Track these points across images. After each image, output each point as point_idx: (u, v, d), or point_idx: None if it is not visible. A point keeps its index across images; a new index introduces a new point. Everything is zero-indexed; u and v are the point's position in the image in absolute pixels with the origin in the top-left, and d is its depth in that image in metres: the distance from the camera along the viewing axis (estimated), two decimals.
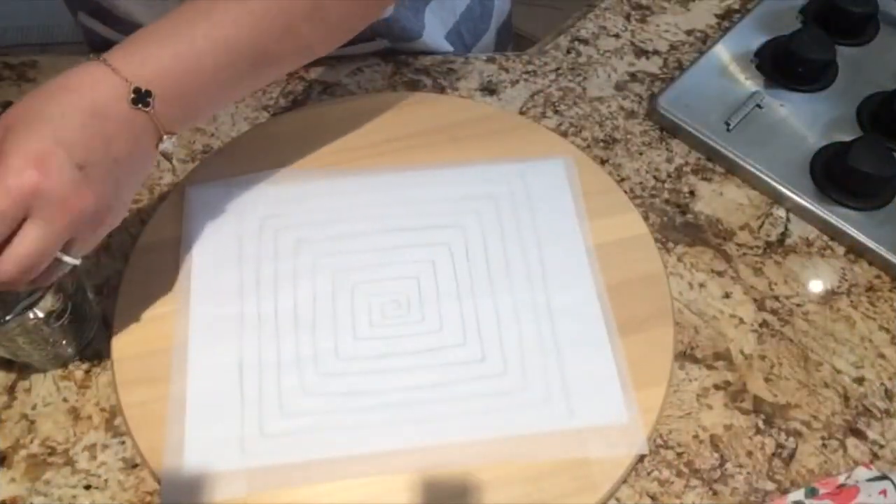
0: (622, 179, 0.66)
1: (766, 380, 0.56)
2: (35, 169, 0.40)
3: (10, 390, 0.54)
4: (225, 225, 0.60)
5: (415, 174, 0.62)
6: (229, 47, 0.44)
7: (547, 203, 0.62)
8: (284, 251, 0.59)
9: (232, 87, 0.47)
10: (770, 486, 0.52)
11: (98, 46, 0.70)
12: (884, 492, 0.49)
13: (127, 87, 0.42)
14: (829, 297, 0.60)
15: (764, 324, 0.58)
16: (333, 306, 0.57)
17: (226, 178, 0.63)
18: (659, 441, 0.53)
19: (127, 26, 0.60)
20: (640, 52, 0.75)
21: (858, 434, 0.54)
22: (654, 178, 0.66)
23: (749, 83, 0.71)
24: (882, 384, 0.56)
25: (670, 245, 0.62)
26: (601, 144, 0.68)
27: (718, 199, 0.65)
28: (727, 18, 0.78)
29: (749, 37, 0.74)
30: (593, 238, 0.60)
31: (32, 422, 0.53)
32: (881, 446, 0.53)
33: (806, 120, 0.68)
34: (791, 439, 0.53)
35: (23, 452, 0.52)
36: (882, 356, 0.57)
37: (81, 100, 0.42)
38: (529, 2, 1.21)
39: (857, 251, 0.62)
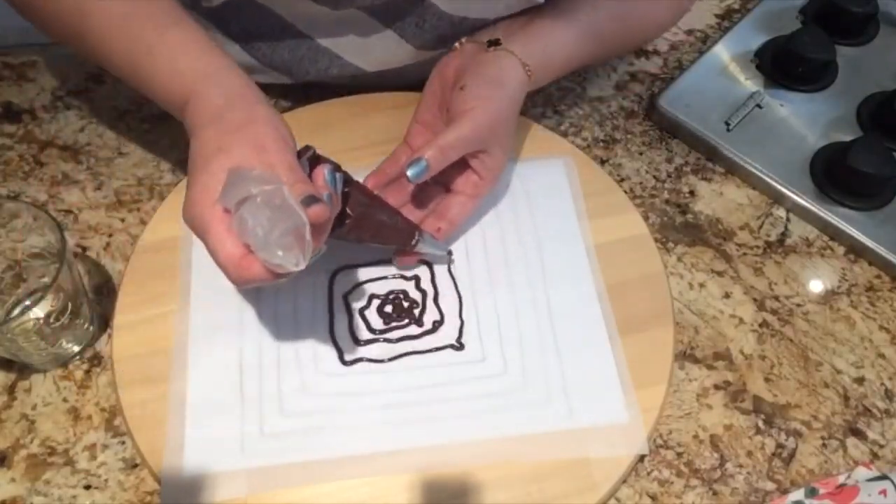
0: (622, 179, 0.66)
1: (766, 380, 0.56)
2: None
3: (10, 390, 0.54)
4: None
5: None
6: (567, 51, 0.60)
7: (547, 203, 0.62)
8: None
9: (569, 69, 0.62)
10: (770, 486, 0.52)
11: None
12: (884, 492, 0.49)
13: (524, 66, 0.57)
14: (829, 297, 0.60)
15: (764, 324, 0.58)
16: (333, 306, 0.57)
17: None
18: (659, 441, 0.53)
19: None
20: (640, 52, 0.75)
21: (858, 434, 0.54)
22: (654, 178, 0.66)
23: (749, 83, 0.71)
24: (882, 384, 0.56)
25: (670, 245, 0.62)
26: (601, 144, 0.68)
27: (718, 199, 0.65)
28: (727, 18, 0.78)
29: (749, 37, 0.74)
30: (593, 238, 0.60)
31: (32, 422, 0.53)
32: (881, 446, 0.53)
33: (806, 120, 0.68)
34: (791, 439, 0.53)
35: (23, 452, 0.52)
36: (882, 356, 0.57)
37: (514, 92, 0.57)
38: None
39: (857, 251, 0.62)
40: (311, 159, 0.48)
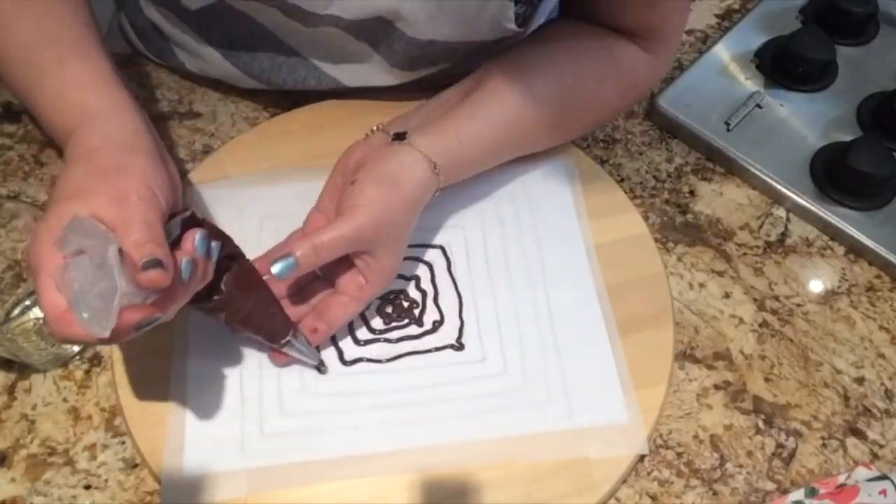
0: (622, 179, 0.66)
1: (766, 380, 0.56)
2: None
3: (10, 390, 0.54)
4: (225, 225, 0.59)
5: None
6: (493, 146, 0.57)
7: (547, 203, 0.62)
8: None
9: (489, 165, 0.59)
10: (770, 486, 0.52)
11: (152, 39, 0.70)
12: (884, 492, 0.49)
13: (430, 163, 0.53)
14: (829, 297, 0.60)
15: (764, 324, 0.58)
16: None
17: (226, 178, 0.63)
18: (659, 441, 0.53)
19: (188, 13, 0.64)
20: None
21: (858, 434, 0.54)
22: (654, 178, 0.66)
23: (749, 83, 0.71)
24: (882, 384, 0.56)
25: (670, 245, 0.62)
26: (601, 144, 0.68)
27: (718, 199, 0.65)
28: (727, 18, 0.78)
29: (749, 37, 0.74)
30: (593, 238, 0.60)
31: (32, 422, 0.53)
32: (881, 446, 0.53)
33: (806, 120, 0.68)
34: (791, 439, 0.53)
35: (23, 452, 0.52)
36: (882, 356, 0.57)
37: (409, 192, 0.53)
38: None
39: (857, 251, 0.62)
40: (185, 221, 0.45)
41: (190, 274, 0.43)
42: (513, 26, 0.54)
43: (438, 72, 0.62)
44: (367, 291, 0.53)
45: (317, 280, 0.55)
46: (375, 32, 0.58)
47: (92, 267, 0.39)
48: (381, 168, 0.52)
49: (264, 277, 0.50)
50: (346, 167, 0.55)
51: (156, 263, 0.40)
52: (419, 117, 0.58)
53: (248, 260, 0.50)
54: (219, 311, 0.48)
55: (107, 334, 0.39)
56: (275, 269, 0.49)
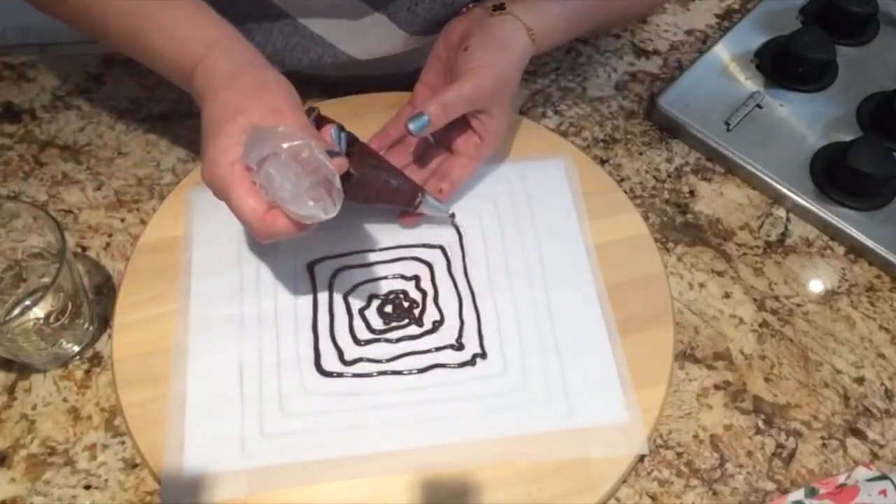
0: (622, 179, 0.66)
1: (766, 380, 0.56)
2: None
3: (10, 390, 0.54)
4: (225, 225, 0.60)
5: None
6: (580, 14, 0.61)
7: (547, 203, 0.62)
8: (284, 251, 0.59)
9: (577, 34, 0.64)
10: (770, 486, 0.52)
11: None
12: (884, 492, 0.49)
13: (528, 31, 0.58)
14: (829, 297, 0.60)
15: (764, 324, 0.58)
16: (333, 306, 0.57)
17: None
18: (659, 441, 0.53)
19: None
20: (640, 52, 0.75)
21: (858, 434, 0.54)
22: (654, 178, 0.66)
23: (749, 83, 0.71)
24: (882, 384, 0.56)
25: (670, 245, 0.62)
26: (601, 144, 0.68)
27: (718, 199, 0.65)
28: (727, 18, 0.78)
29: (749, 37, 0.74)
30: (593, 238, 0.60)
31: (32, 422, 0.53)
32: (881, 446, 0.53)
33: (806, 120, 0.68)
34: (791, 439, 0.53)
35: (23, 452, 0.52)
36: (882, 356, 0.57)
37: (517, 55, 0.58)
38: None
39: (857, 251, 0.62)
40: (316, 119, 0.50)
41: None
42: None
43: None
44: (483, 150, 0.59)
45: (431, 147, 0.61)
46: None
47: (296, 162, 0.43)
48: (491, 34, 0.57)
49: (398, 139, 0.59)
50: (450, 40, 0.60)
51: (333, 153, 0.45)
52: None
53: (363, 142, 0.55)
54: (356, 190, 0.52)
55: (335, 212, 0.44)
56: (412, 125, 0.54)
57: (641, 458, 0.52)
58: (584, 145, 0.68)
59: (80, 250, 0.61)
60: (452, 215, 0.60)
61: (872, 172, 0.61)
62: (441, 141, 0.61)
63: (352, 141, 0.53)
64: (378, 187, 0.54)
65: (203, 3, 0.52)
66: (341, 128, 0.51)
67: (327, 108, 0.66)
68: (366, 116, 0.64)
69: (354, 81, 0.68)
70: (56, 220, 0.51)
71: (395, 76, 0.66)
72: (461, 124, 0.58)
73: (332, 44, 0.64)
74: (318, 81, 0.69)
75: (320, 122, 0.51)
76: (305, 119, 0.48)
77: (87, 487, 0.50)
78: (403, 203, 0.56)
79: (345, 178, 0.49)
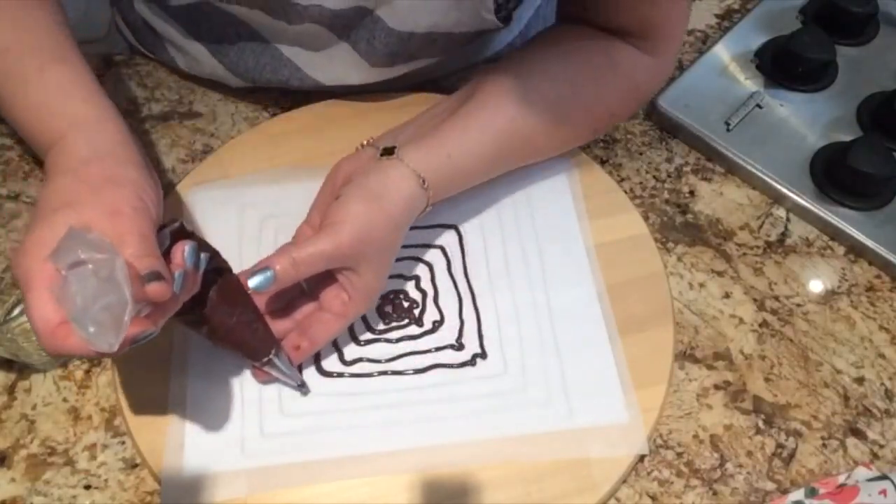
0: (622, 179, 0.66)
1: (766, 380, 0.56)
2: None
3: (10, 390, 0.54)
4: (225, 225, 0.60)
5: None
6: (486, 159, 0.56)
7: (547, 203, 0.62)
8: None
9: (483, 178, 0.58)
10: (770, 486, 0.52)
11: (145, 36, 0.70)
12: (884, 492, 0.49)
13: (418, 179, 0.52)
14: (829, 297, 0.60)
15: (764, 324, 0.58)
16: None
17: (226, 178, 0.63)
18: (659, 441, 0.53)
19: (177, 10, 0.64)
20: None
21: (858, 434, 0.54)
22: (654, 178, 0.66)
23: (749, 83, 0.71)
24: (882, 384, 0.56)
25: (670, 245, 0.62)
26: (601, 144, 0.68)
27: (718, 199, 0.65)
28: (727, 18, 0.78)
29: (749, 37, 0.74)
30: (593, 238, 0.60)
31: (32, 422, 0.53)
32: (881, 446, 0.53)
33: (806, 120, 0.68)
34: (791, 439, 0.53)
35: (23, 452, 0.52)
36: (882, 356, 0.57)
37: (395, 209, 0.52)
38: None
39: (857, 251, 0.62)
40: (174, 233, 0.45)
41: (182, 286, 0.42)
42: (492, 17, 0.53)
43: (417, 69, 0.62)
44: (350, 309, 0.52)
45: (303, 296, 0.54)
46: (356, 26, 0.58)
47: (96, 279, 0.38)
48: (366, 183, 0.51)
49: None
50: (335, 181, 0.55)
51: (157, 276, 0.40)
52: (410, 131, 0.57)
53: (234, 274, 0.49)
54: (202, 324, 0.47)
55: (115, 348, 0.38)
56: (252, 282, 0.48)
57: (641, 458, 0.52)
58: (584, 145, 0.68)
59: None
60: (302, 385, 0.52)
61: (872, 172, 0.61)
62: (311, 291, 0.54)
63: (219, 269, 0.47)
64: (227, 328, 0.48)
65: (86, 74, 0.50)
66: (201, 248, 0.45)
67: (332, 108, 0.67)
68: (371, 115, 0.64)
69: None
70: None
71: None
72: (331, 276, 0.52)
73: (300, 67, 0.63)
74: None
75: (178, 236, 0.44)
76: (147, 228, 0.42)
77: (87, 487, 0.50)
78: (250, 356, 0.50)
79: (193, 306, 0.45)
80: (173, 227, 0.45)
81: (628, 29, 0.58)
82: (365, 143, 0.57)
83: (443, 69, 0.59)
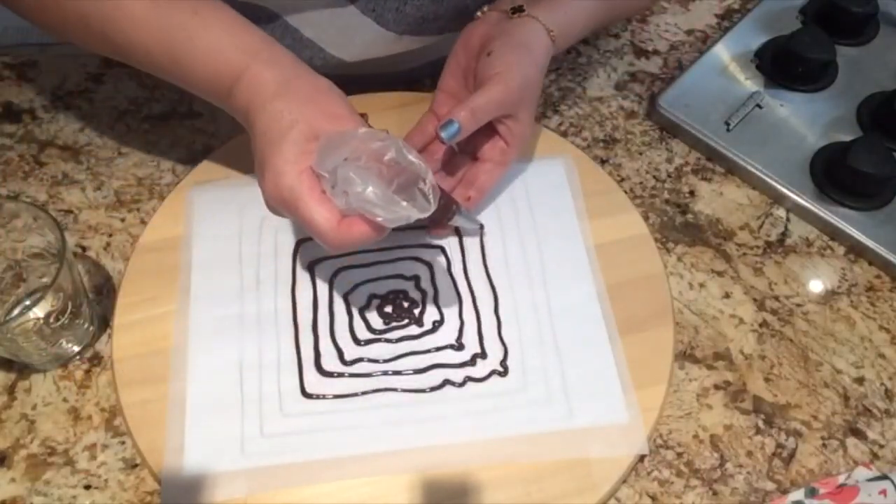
0: (622, 179, 0.66)
1: (766, 380, 0.56)
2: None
3: (10, 390, 0.54)
4: (225, 225, 0.60)
5: None
6: (588, 12, 0.61)
7: (547, 203, 0.62)
8: (284, 251, 0.59)
9: (592, 31, 0.64)
10: (770, 486, 0.52)
11: None
12: (884, 492, 0.49)
13: (548, 31, 0.58)
14: (829, 297, 0.60)
15: (764, 324, 0.58)
16: (333, 306, 0.57)
17: (226, 178, 0.63)
18: (659, 441, 0.53)
19: None
20: (640, 52, 0.75)
21: (858, 434, 0.54)
22: (654, 178, 0.66)
23: (749, 83, 0.71)
24: (882, 384, 0.56)
25: (670, 245, 0.62)
26: (601, 144, 0.68)
27: (718, 199, 0.65)
28: (727, 18, 0.78)
29: (749, 37, 0.74)
30: (593, 238, 0.60)
31: (32, 422, 0.53)
32: (881, 446, 0.53)
33: (806, 120, 0.68)
34: (791, 439, 0.53)
35: (23, 452, 0.52)
36: (882, 356, 0.57)
37: (539, 57, 0.57)
38: None
39: (857, 251, 0.62)
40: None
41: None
42: None
43: (445, 43, 0.62)
44: (509, 155, 0.58)
45: (456, 156, 0.61)
46: None
47: (380, 165, 0.41)
48: (513, 38, 0.56)
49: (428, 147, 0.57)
50: (470, 45, 0.59)
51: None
52: None
53: None
54: None
55: (434, 208, 0.42)
56: (444, 133, 0.53)
57: (641, 458, 0.52)
58: (584, 145, 0.68)
59: (79, 250, 0.61)
60: (481, 227, 0.60)
61: (872, 172, 0.61)
62: (465, 148, 0.60)
63: None
64: None
65: (230, 9, 0.50)
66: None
67: None
68: (372, 115, 0.64)
69: (354, 81, 0.68)
70: (56, 220, 0.51)
71: (395, 75, 0.66)
72: (486, 130, 0.57)
73: (322, 47, 0.64)
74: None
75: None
76: (363, 124, 0.46)
77: (87, 487, 0.50)
78: (438, 215, 0.53)
79: None
80: (366, 121, 0.48)
81: None
82: (485, 9, 0.60)
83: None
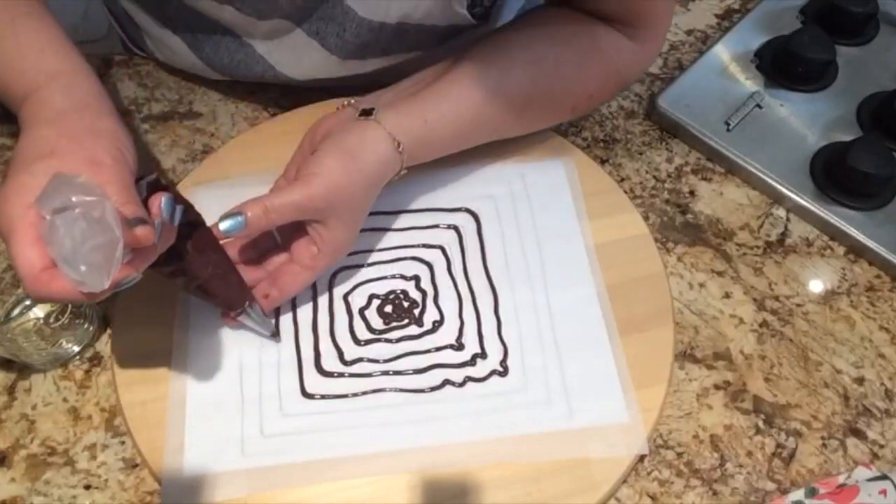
0: (622, 179, 0.66)
1: (766, 380, 0.56)
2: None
3: (10, 390, 0.54)
4: None
5: (414, 175, 0.62)
6: (461, 129, 0.57)
7: (547, 203, 0.62)
8: None
9: (458, 147, 0.59)
10: (770, 486, 0.52)
11: (127, 28, 0.73)
12: (884, 491, 0.49)
13: (393, 141, 0.54)
14: (829, 297, 0.60)
15: (764, 324, 0.58)
16: (333, 306, 0.57)
17: (226, 178, 0.63)
18: (659, 441, 0.53)
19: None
20: None
21: (858, 434, 0.54)
22: (654, 178, 0.66)
23: (749, 83, 0.71)
24: (882, 384, 0.56)
25: (670, 245, 0.62)
26: (601, 144, 0.68)
27: (718, 199, 0.65)
28: (727, 18, 0.78)
29: (749, 37, 0.74)
30: (593, 238, 0.60)
31: (32, 422, 0.53)
32: (881, 446, 0.53)
33: (806, 120, 0.68)
34: (791, 439, 0.53)
35: (23, 452, 0.52)
36: (882, 356, 0.57)
37: (369, 168, 0.53)
38: None
39: (857, 251, 0.62)
40: (150, 184, 0.45)
41: (159, 236, 0.43)
42: (464, 12, 0.54)
43: (394, 66, 0.62)
44: (319, 262, 0.54)
45: (276, 248, 0.56)
46: (326, 18, 0.58)
47: (86, 221, 0.39)
48: (342, 140, 0.53)
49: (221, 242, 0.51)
50: (314, 137, 0.56)
51: (142, 221, 0.40)
52: (390, 94, 0.58)
53: (207, 227, 0.50)
54: (179, 275, 0.48)
55: (105, 286, 0.39)
56: (223, 225, 0.49)
57: (641, 458, 0.52)
58: (584, 145, 0.68)
59: None
60: (275, 334, 0.55)
61: (872, 172, 0.61)
62: (285, 244, 0.55)
63: (193, 222, 0.48)
64: (203, 280, 0.49)
65: (56, 27, 0.50)
66: (178, 202, 0.45)
67: (333, 107, 0.67)
68: None
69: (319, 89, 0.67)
70: None
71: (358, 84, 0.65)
72: (303, 229, 0.53)
73: (272, 65, 0.64)
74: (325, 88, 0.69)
75: (154, 188, 0.44)
76: (128, 178, 0.43)
77: (87, 487, 0.50)
78: (225, 306, 0.52)
79: (170, 257, 0.46)
80: (150, 179, 0.45)
81: (614, 16, 0.59)
82: (347, 102, 0.58)
83: (422, 67, 0.59)
